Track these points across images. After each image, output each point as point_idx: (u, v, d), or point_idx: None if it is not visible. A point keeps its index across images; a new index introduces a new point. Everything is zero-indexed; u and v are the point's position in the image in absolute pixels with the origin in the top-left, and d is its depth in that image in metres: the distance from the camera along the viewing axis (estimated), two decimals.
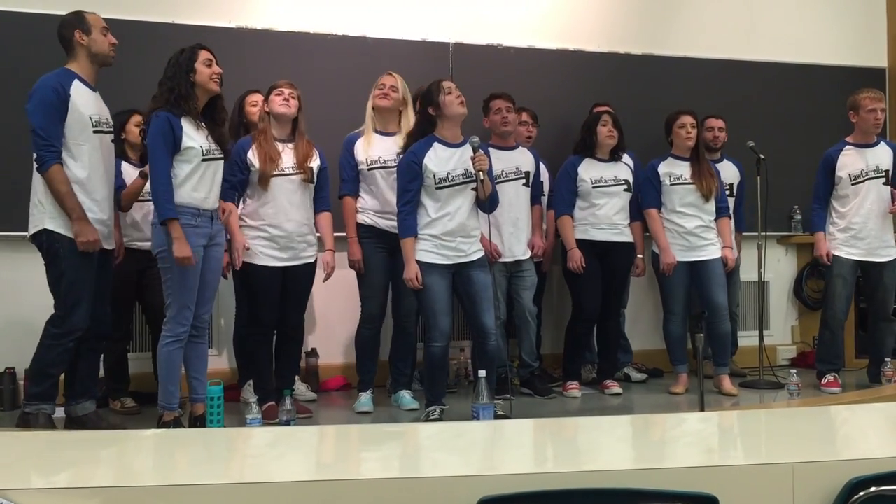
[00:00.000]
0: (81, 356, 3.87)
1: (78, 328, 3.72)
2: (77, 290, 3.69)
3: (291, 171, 4.10)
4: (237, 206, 4.13)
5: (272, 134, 4.13)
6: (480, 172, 3.90)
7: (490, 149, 4.41)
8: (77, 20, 3.76)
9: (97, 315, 3.84)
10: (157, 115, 3.66)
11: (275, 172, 4.05)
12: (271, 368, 4.18)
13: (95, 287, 3.80)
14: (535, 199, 4.81)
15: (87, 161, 3.71)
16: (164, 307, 3.79)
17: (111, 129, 3.89)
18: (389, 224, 4.28)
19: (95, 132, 3.74)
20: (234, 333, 4.59)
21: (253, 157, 4.06)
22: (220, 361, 4.83)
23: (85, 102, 3.72)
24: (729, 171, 5.26)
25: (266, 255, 4.08)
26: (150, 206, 4.25)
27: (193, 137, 3.69)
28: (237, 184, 4.09)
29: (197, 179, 3.70)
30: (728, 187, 5.22)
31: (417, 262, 3.96)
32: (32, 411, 3.74)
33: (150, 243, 4.22)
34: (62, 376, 3.86)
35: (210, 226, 3.78)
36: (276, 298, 4.11)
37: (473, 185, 3.98)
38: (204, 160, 3.71)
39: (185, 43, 3.82)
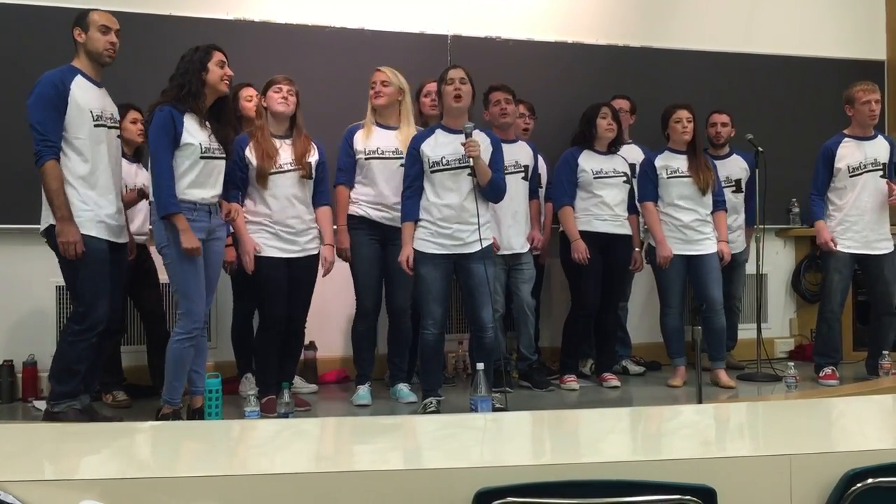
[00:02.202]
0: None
1: (100, 322, 3.69)
2: (95, 286, 3.66)
3: (289, 168, 4.09)
4: (241, 205, 4.09)
5: (269, 130, 4.12)
6: (471, 159, 3.88)
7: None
8: (79, 18, 3.75)
9: (113, 309, 3.82)
10: (160, 108, 3.65)
11: (272, 170, 4.04)
12: (277, 363, 4.18)
13: (110, 282, 3.78)
14: (532, 192, 4.81)
15: (89, 155, 3.66)
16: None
17: (116, 125, 3.85)
18: (381, 216, 4.30)
19: (97, 126, 3.70)
20: (232, 327, 4.59)
21: (250, 154, 4.05)
22: (217, 354, 4.83)
23: (87, 97, 3.68)
24: (736, 166, 5.23)
25: (270, 247, 4.07)
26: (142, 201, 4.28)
27: (194, 134, 3.67)
28: (239, 182, 4.06)
29: (195, 176, 3.68)
30: (734, 183, 5.21)
31: (414, 249, 3.97)
32: (63, 409, 3.68)
33: (139, 236, 4.23)
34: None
35: (208, 220, 3.76)
36: (285, 290, 4.11)
37: (469, 170, 3.96)
38: (202, 157, 3.69)
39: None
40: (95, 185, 3.69)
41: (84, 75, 3.71)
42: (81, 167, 3.65)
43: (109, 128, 3.79)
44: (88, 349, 3.70)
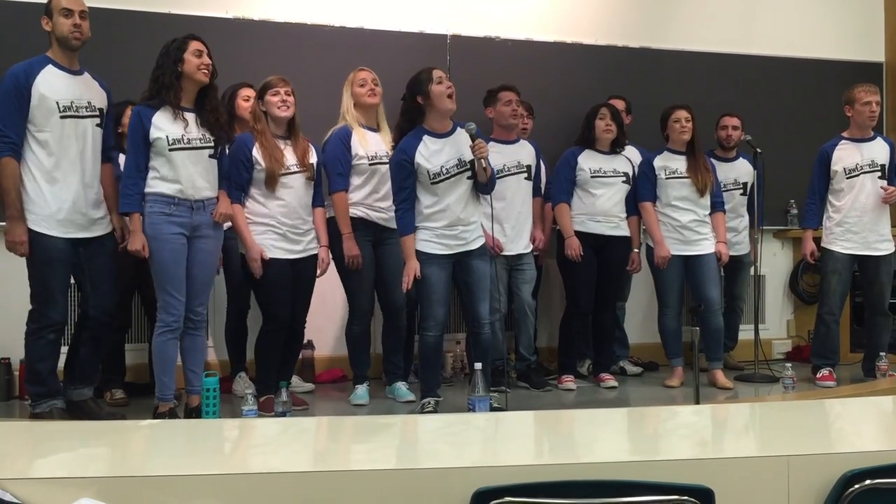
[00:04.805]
0: (83, 343, 3.84)
1: (54, 321, 3.67)
2: (48, 285, 3.64)
3: (296, 169, 4.09)
4: (242, 205, 4.07)
5: (271, 132, 4.12)
6: (482, 160, 3.86)
7: (491, 142, 4.41)
8: (46, 6, 3.70)
9: (97, 303, 3.79)
10: (132, 110, 3.72)
11: (282, 171, 4.04)
12: (278, 364, 4.17)
13: (92, 275, 3.76)
14: (535, 191, 4.80)
15: (54, 148, 3.61)
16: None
17: (94, 114, 3.74)
18: (379, 216, 4.31)
19: (63, 117, 3.63)
20: (226, 326, 4.58)
21: (258, 155, 4.03)
22: (214, 353, 4.82)
23: (55, 88, 3.62)
24: (743, 169, 5.22)
25: (277, 248, 4.06)
26: None
27: (162, 128, 3.65)
28: (244, 183, 4.04)
29: (168, 169, 3.66)
30: (742, 185, 5.20)
31: (418, 251, 3.93)
32: (44, 410, 3.68)
33: None
34: (62, 362, 3.83)
35: (189, 216, 3.72)
36: (290, 291, 4.10)
37: (469, 174, 3.94)
38: (172, 149, 3.65)
39: (181, 33, 3.80)
40: (59, 179, 3.64)
41: (56, 64, 3.65)
42: (46, 160, 3.62)
43: (83, 117, 3.70)
44: (48, 346, 3.68)
